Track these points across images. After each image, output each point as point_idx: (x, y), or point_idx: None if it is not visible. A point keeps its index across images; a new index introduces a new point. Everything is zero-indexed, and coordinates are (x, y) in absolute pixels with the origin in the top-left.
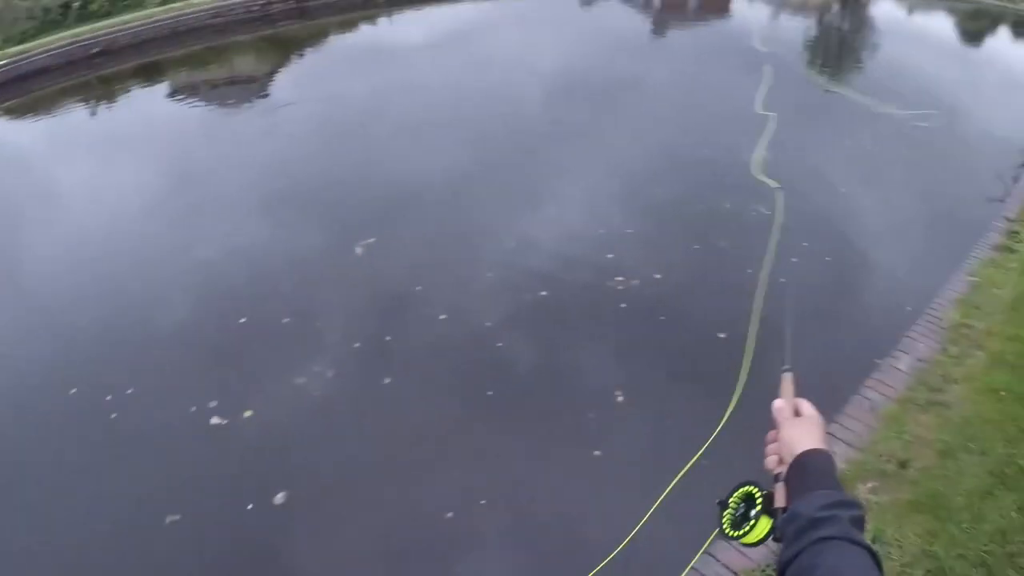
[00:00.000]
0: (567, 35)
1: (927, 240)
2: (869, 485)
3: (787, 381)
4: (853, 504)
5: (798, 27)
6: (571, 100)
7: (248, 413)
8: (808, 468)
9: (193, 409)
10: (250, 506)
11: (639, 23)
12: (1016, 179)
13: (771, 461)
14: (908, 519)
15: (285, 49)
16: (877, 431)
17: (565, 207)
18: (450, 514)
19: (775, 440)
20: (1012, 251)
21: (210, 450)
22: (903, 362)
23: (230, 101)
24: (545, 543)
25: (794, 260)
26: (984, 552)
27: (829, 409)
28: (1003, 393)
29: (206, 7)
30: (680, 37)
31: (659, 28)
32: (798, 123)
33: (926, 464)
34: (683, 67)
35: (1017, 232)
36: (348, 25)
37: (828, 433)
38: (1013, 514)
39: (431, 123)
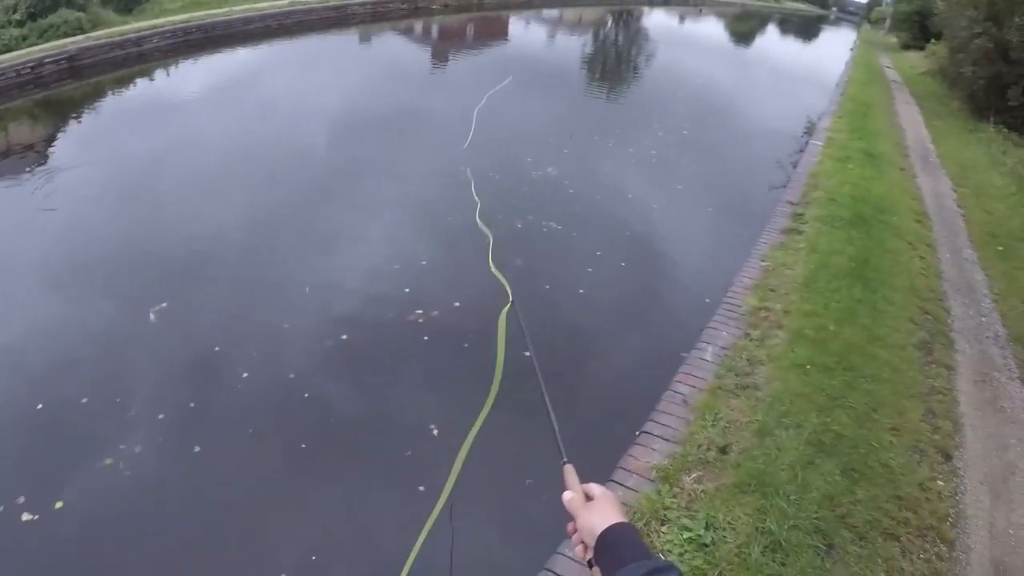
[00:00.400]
0: (349, 73)
1: (718, 234)
2: (693, 476)
3: (569, 472)
4: (667, 567)
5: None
6: (357, 139)
7: (59, 504)
8: (612, 544)
9: (1, 508)
10: None
11: (419, 55)
12: (795, 164)
13: (579, 551)
14: (736, 501)
15: (60, 112)
16: (693, 422)
17: (358, 247)
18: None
19: (576, 530)
20: (799, 232)
21: (27, 548)
22: (708, 352)
23: (5, 173)
24: None
25: (589, 270)
26: (816, 519)
27: (645, 408)
28: (808, 367)
29: None
30: (459, 65)
31: (439, 58)
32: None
33: (745, 446)
34: (464, 95)
35: (801, 214)
36: (124, 81)
37: (646, 432)
38: (837, 478)
39: (217, 176)
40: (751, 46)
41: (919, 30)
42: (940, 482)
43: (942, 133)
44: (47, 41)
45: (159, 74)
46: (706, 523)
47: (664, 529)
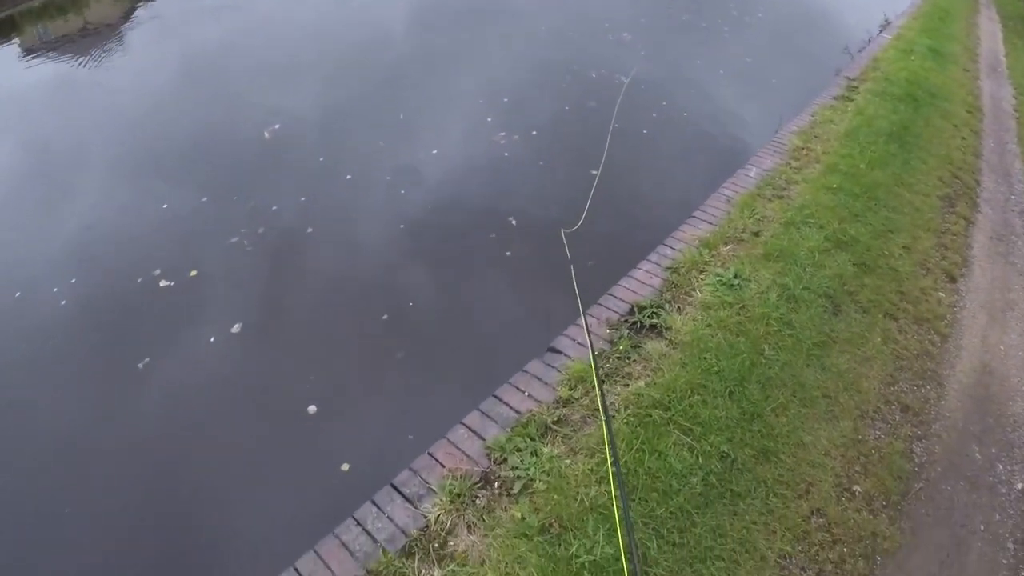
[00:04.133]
0: None
1: (777, 98)
2: (728, 247)
3: None
4: None
5: None
6: (439, 16)
7: (193, 272)
8: None
9: (140, 280)
10: (212, 338)
11: None
12: (860, 51)
13: None
14: (761, 264)
15: None
16: (732, 214)
17: (449, 93)
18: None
19: None
20: (850, 100)
21: (166, 308)
22: (752, 172)
23: (90, 53)
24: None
25: (654, 115)
26: (827, 288)
27: (695, 202)
28: (836, 188)
29: None
30: None
31: None
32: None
33: (774, 232)
34: None
35: (856, 87)
36: None
37: (694, 217)
38: (849, 267)
39: (299, 61)
40: None
41: None
42: (942, 294)
43: (1018, 50)
44: None
45: None
46: (735, 273)
47: (701, 276)
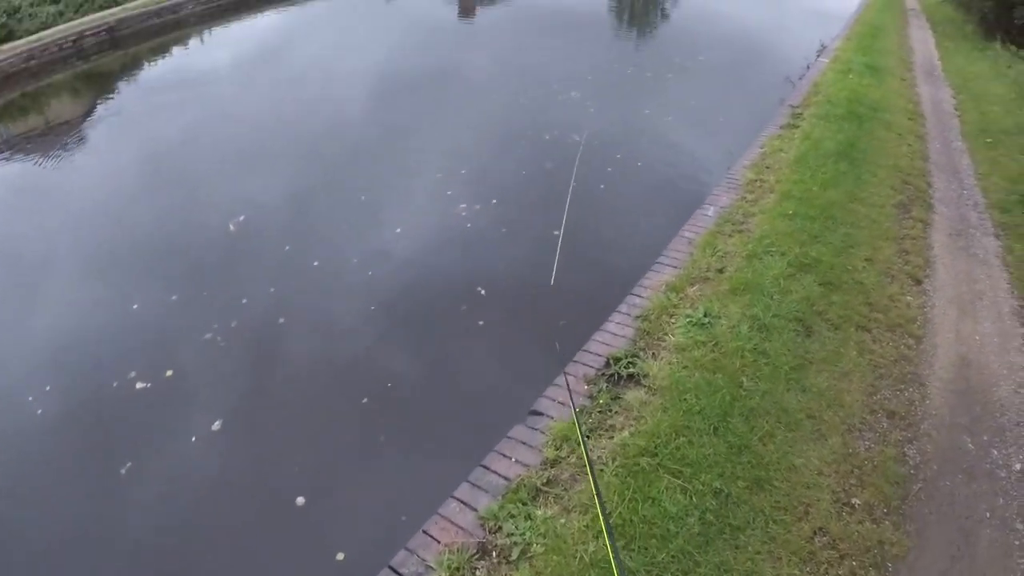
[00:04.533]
0: (378, 32)
1: (727, 135)
2: (695, 287)
3: None
4: None
5: None
6: (393, 95)
7: (169, 373)
8: None
9: (115, 384)
10: (193, 438)
11: (445, 9)
12: (801, 78)
13: None
14: (729, 299)
15: (101, 85)
16: (695, 254)
17: (407, 170)
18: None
19: None
20: (796, 127)
21: (143, 410)
22: (710, 211)
23: (51, 151)
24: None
25: (609, 169)
26: (796, 312)
27: (657, 249)
28: (793, 214)
29: (19, 51)
30: (486, 16)
31: (465, 11)
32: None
33: (738, 266)
34: (490, 44)
35: (800, 114)
36: (160, 50)
37: (658, 263)
38: (815, 288)
39: (260, 150)
40: None
41: None
42: (909, 297)
43: (951, 52)
44: (83, 15)
45: (194, 43)
46: (704, 312)
47: (671, 320)
